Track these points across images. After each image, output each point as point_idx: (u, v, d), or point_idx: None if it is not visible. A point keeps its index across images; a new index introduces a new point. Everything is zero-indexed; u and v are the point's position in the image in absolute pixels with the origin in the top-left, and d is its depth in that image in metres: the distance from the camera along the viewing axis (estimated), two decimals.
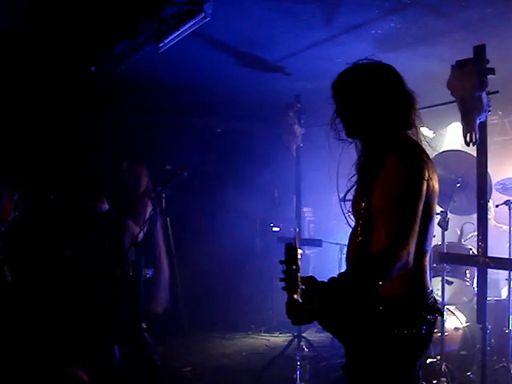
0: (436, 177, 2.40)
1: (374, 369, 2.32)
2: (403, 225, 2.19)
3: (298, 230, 6.67)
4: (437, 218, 4.98)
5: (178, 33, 4.39)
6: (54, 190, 6.06)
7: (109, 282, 5.29)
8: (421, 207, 2.24)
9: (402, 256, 2.14)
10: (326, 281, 2.30)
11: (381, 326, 2.25)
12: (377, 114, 2.40)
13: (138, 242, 4.52)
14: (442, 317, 2.45)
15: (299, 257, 2.23)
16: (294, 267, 2.19)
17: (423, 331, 2.31)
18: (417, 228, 2.22)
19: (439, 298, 4.81)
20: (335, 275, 2.40)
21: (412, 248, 2.19)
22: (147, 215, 5.08)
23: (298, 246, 2.23)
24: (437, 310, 2.38)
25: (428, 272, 2.40)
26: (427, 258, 2.39)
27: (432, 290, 2.42)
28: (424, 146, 2.47)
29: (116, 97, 6.98)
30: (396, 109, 2.42)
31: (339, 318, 2.31)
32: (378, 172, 2.30)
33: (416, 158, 2.30)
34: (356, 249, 2.40)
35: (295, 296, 2.17)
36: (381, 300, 2.28)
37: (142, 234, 4.61)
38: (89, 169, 5.59)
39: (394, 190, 2.23)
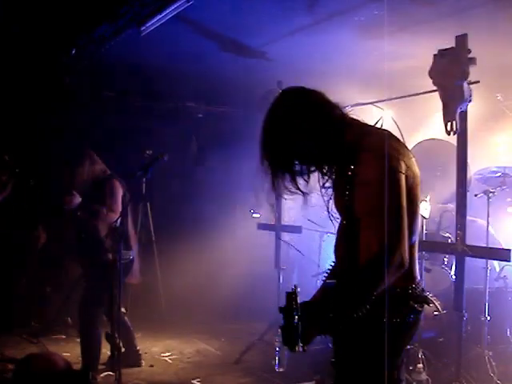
0: (413, 161, 2.38)
1: (361, 356, 2.36)
2: (392, 225, 2.15)
3: (277, 215, 6.66)
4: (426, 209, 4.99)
5: (160, 16, 4.35)
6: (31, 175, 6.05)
7: (89, 268, 5.29)
8: (405, 203, 2.23)
9: (397, 257, 2.14)
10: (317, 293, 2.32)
11: (370, 315, 2.24)
12: (321, 130, 2.38)
13: (116, 227, 4.48)
14: (429, 305, 2.46)
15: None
16: (296, 318, 2.07)
17: (410, 319, 2.36)
18: (406, 225, 2.21)
19: None
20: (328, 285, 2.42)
21: (405, 247, 2.18)
22: (119, 198, 5.06)
23: (298, 294, 2.08)
24: (424, 299, 2.41)
25: (416, 262, 2.42)
26: (415, 249, 2.40)
27: (420, 280, 2.45)
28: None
29: (95, 80, 6.90)
30: (330, 116, 2.41)
31: (339, 323, 2.28)
32: (355, 169, 2.27)
33: (389, 152, 2.23)
34: (346, 249, 2.38)
35: (296, 348, 2.13)
36: None
37: (119, 220, 4.57)
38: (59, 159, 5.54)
39: (374, 191, 2.19)
